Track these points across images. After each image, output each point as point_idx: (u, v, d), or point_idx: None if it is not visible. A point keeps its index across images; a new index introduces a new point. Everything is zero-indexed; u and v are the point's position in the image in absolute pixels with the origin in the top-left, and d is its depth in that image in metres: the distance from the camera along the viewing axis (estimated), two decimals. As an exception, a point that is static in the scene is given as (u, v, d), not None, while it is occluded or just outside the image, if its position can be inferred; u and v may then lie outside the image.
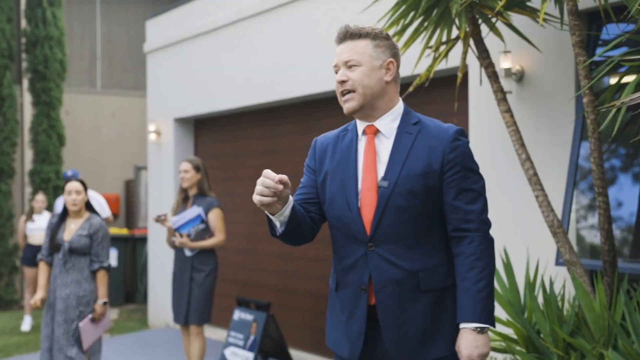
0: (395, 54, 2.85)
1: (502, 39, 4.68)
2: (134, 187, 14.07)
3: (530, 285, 4.37)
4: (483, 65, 4.57)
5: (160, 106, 9.90)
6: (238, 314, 7.40)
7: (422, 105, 5.73)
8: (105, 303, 5.99)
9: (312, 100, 7.63)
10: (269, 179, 2.55)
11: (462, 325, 2.71)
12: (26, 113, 12.99)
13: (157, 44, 9.90)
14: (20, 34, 12.80)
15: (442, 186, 2.73)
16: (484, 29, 4.98)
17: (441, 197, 2.74)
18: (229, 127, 9.04)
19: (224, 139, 9.14)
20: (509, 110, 4.51)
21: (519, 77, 5.22)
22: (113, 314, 10.85)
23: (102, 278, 5.97)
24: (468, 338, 2.67)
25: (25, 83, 12.88)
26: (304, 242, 2.89)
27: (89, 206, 6.15)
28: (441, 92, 6.06)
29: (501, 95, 4.54)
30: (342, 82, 2.80)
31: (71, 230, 6.01)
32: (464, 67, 4.66)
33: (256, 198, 2.59)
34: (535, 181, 4.42)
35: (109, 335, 9.38)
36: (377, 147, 2.83)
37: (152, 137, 9.90)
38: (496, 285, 4.69)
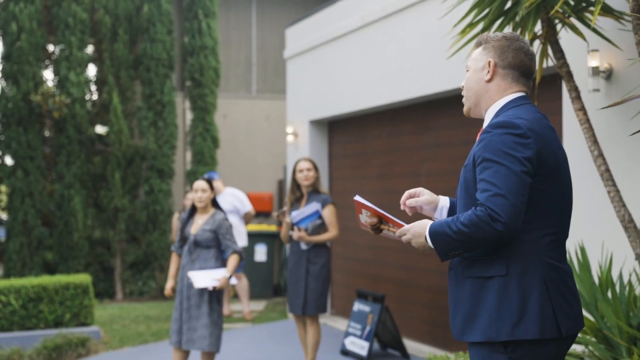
0: (501, 53, 2.93)
1: (584, 38, 4.79)
2: (284, 186, 14.79)
3: (600, 280, 4.49)
4: (557, 65, 4.71)
5: (297, 109, 10.48)
6: (357, 306, 7.80)
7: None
8: (230, 277, 6.48)
9: (431, 100, 7.89)
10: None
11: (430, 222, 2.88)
12: (184, 118, 14.02)
13: (295, 50, 10.48)
14: (179, 44, 13.85)
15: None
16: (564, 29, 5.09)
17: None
18: (357, 128, 9.46)
19: (353, 139, 9.57)
20: (582, 109, 4.63)
21: (607, 75, 5.27)
22: (260, 305, 11.52)
23: (233, 259, 6.50)
24: (417, 230, 2.87)
25: (183, 90, 13.93)
26: None
27: (214, 203, 6.75)
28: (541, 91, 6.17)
29: (575, 94, 4.66)
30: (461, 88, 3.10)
31: (198, 224, 6.63)
32: (541, 65, 4.81)
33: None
34: (607, 177, 4.52)
35: (251, 324, 10.05)
36: None
37: (290, 138, 10.49)
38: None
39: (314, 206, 6.73)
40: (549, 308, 2.76)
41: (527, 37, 4.61)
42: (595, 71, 5.25)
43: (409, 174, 8.26)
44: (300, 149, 10.34)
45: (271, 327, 9.73)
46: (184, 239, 6.68)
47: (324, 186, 10.20)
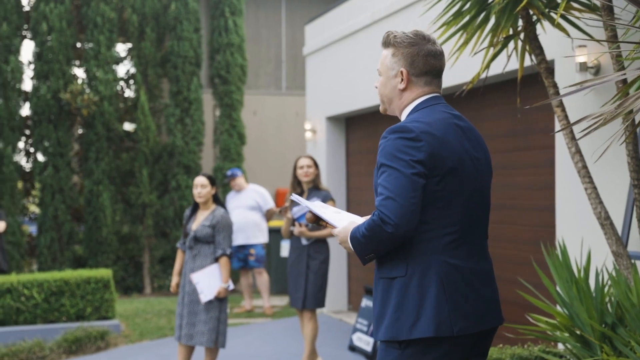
0: (412, 62, 3.00)
1: (568, 34, 4.76)
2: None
3: (576, 278, 4.46)
4: (536, 62, 4.69)
5: (315, 106, 10.54)
6: (365, 302, 7.83)
7: (507, 105, 5.86)
8: (228, 287, 6.60)
9: (443, 95, 7.87)
10: None
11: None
12: (212, 114, 14.17)
13: (313, 47, 10.54)
14: (206, 42, 14.01)
15: None
16: (547, 25, 5.06)
17: None
18: (373, 124, 9.48)
19: (369, 135, 9.60)
20: (560, 105, 4.61)
21: (596, 71, 5.22)
22: (283, 301, 11.60)
23: (224, 264, 6.61)
24: (345, 235, 2.93)
25: (210, 87, 14.10)
26: None
27: (216, 199, 6.83)
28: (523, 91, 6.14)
29: (554, 90, 4.64)
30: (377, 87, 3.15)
31: (199, 220, 6.72)
32: (522, 62, 4.79)
33: None
34: (584, 174, 4.49)
35: (270, 319, 10.15)
36: None
37: (309, 135, 10.55)
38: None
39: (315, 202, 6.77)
40: (444, 307, 2.79)
41: (502, 34, 4.60)
42: (583, 67, 5.21)
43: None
44: (319, 146, 10.40)
45: (288, 322, 9.82)
46: (185, 234, 6.78)
47: (341, 182, 10.25)
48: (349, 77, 9.45)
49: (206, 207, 6.74)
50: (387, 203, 2.75)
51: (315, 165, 6.97)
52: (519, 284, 6.10)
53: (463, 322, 2.82)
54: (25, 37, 13.23)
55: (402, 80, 3.01)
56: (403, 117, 3.05)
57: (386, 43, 3.07)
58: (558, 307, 4.73)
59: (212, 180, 6.73)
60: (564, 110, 4.59)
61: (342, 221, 3.01)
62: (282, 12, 15.57)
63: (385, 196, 2.77)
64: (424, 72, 3.01)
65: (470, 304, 2.86)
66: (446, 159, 2.84)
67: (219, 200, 6.82)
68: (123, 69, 14.04)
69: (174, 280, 6.93)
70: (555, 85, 4.65)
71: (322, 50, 10.30)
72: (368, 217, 2.88)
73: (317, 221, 3.11)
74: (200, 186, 6.66)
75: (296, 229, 6.85)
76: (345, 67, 9.54)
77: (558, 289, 4.61)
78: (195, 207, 6.84)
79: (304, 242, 6.92)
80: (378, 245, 2.81)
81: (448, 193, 2.85)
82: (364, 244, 2.82)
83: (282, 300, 11.61)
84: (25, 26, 13.19)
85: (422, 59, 3.00)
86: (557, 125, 5.53)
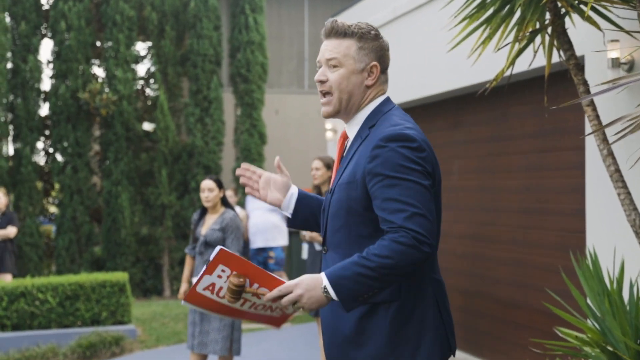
0: (381, 56, 2.73)
1: (599, 28, 4.44)
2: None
3: (609, 291, 4.14)
4: (564, 58, 4.38)
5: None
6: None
7: (532, 104, 5.54)
8: None
9: (461, 95, 7.57)
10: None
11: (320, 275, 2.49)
12: (232, 114, 13.92)
13: (334, 44, 10.24)
14: (227, 40, 13.76)
15: (369, 195, 2.54)
16: (576, 18, 4.73)
17: (368, 208, 2.55)
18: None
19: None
20: (590, 104, 4.28)
21: (629, 67, 4.89)
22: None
23: None
24: (310, 283, 2.46)
25: (230, 86, 13.84)
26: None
27: (224, 202, 6.58)
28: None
29: (584, 88, 4.32)
30: (321, 82, 2.71)
31: (208, 224, 6.47)
32: (549, 58, 4.48)
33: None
34: (617, 178, 4.17)
35: (289, 324, 9.89)
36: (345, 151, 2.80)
37: (329, 135, 10.26)
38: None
39: None
40: (442, 329, 2.60)
41: (528, 28, 4.29)
42: (615, 63, 4.87)
43: (441, 171, 7.93)
44: (339, 146, 10.10)
45: (306, 327, 9.55)
46: (195, 240, 6.55)
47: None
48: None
49: (215, 211, 6.50)
50: (419, 220, 2.41)
51: (327, 166, 6.68)
52: (545, 292, 5.78)
53: (453, 339, 2.66)
54: (44, 35, 13.08)
55: (372, 75, 2.70)
56: (360, 117, 2.71)
57: (346, 33, 2.69)
58: (589, 321, 4.41)
59: (219, 183, 6.50)
60: (594, 109, 4.27)
61: (306, 279, 2.49)
62: (304, 9, 15.31)
63: (411, 212, 2.41)
64: (386, 68, 2.77)
65: (451, 319, 2.69)
66: (437, 171, 2.61)
67: (227, 203, 6.58)
68: (142, 68, 13.85)
69: (183, 287, 6.70)
70: (585, 83, 4.33)
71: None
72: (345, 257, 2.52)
73: (243, 286, 2.54)
74: (208, 190, 6.42)
75: (307, 234, 6.58)
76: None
77: (589, 301, 4.29)
78: (203, 211, 6.61)
79: (318, 247, 6.65)
80: (404, 273, 2.43)
81: (437, 206, 2.60)
82: (375, 278, 2.39)
83: (303, 304, 11.35)
84: (44, 25, 13.03)
85: (387, 54, 2.76)
86: (588, 125, 5.21)
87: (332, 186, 2.72)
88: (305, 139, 14.88)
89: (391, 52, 2.83)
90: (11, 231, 10.20)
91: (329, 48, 2.70)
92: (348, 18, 9.75)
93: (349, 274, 2.41)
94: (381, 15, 8.69)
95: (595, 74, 4.99)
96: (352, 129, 2.76)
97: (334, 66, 2.68)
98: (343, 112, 2.73)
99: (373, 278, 2.40)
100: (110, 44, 12.73)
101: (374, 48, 2.71)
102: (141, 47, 13.53)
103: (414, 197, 2.44)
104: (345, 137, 2.82)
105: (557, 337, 4.69)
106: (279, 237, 10.39)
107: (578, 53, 4.67)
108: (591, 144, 5.27)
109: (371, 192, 2.52)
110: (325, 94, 2.72)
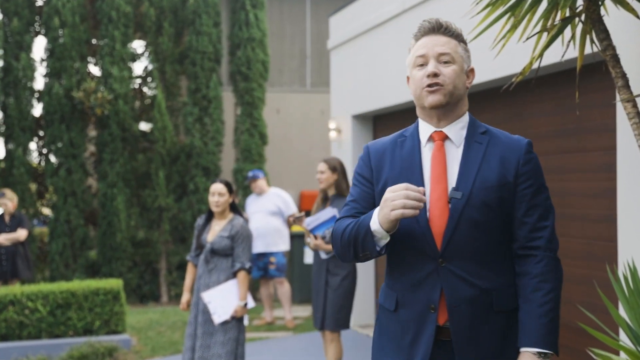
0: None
1: (638, 15, 3.99)
2: (340, 184, 14.15)
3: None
4: (600, 48, 3.93)
5: (340, 103, 9.81)
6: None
7: (556, 100, 5.08)
8: (245, 305, 5.96)
9: (477, 91, 7.13)
10: (414, 191, 2.46)
11: (523, 349, 2.58)
12: (232, 113, 13.46)
13: (338, 40, 9.81)
14: (226, 37, 13.29)
15: (515, 200, 2.64)
16: (610, 5, 4.28)
17: (512, 212, 2.64)
18: (402, 123, 8.71)
19: (397, 135, 8.85)
20: (631, 100, 3.83)
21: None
22: (306, 311, 10.89)
23: (242, 279, 5.95)
24: None
25: (230, 85, 13.37)
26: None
27: (233, 207, 6.17)
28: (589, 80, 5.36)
29: (622, 82, 3.87)
30: (435, 75, 2.66)
31: (215, 231, 6.06)
32: (582, 49, 4.03)
33: (398, 212, 2.45)
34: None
35: (292, 333, 9.46)
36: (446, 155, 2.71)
37: (333, 135, 9.82)
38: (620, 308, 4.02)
39: (330, 211, 6.05)
40: None
41: (558, 16, 3.84)
42: (653, 55, 4.43)
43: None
44: (344, 146, 9.66)
45: (310, 337, 9.10)
46: (200, 246, 6.13)
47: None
48: (377, 71, 8.71)
49: (223, 217, 6.09)
50: (555, 233, 2.69)
51: (332, 169, 6.23)
52: (571, 304, 5.33)
53: None
54: (37, 32, 12.63)
55: (469, 79, 2.76)
56: (459, 127, 2.73)
57: (452, 33, 2.74)
58: (627, 340, 3.95)
59: (230, 188, 6.08)
60: (635, 106, 3.82)
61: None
62: (306, 6, 14.87)
63: (552, 227, 2.66)
64: None
65: None
66: None
67: (236, 208, 6.16)
68: (139, 66, 13.39)
69: (185, 297, 6.28)
70: (624, 76, 3.88)
71: (348, 44, 9.56)
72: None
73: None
74: (218, 194, 6.01)
75: (312, 242, 6.15)
76: (373, 61, 8.79)
77: (628, 320, 3.83)
78: (209, 216, 6.18)
79: (323, 255, 6.20)
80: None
81: None
82: (557, 309, 2.63)
83: (306, 310, 10.89)
84: (37, 21, 12.58)
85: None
86: (619, 124, 4.77)
87: (463, 190, 2.60)
88: (308, 139, 14.45)
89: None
90: (21, 234, 9.74)
91: (440, 43, 2.71)
92: (354, 12, 9.31)
93: (548, 328, 2.58)
94: (389, 8, 8.24)
95: (633, 67, 4.53)
96: (458, 133, 2.74)
97: (447, 62, 2.69)
98: (449, 106, 2.71)
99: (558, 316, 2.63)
100: (105, 41, 12.25)
101: (468, 52, 2.80)
102: (138, 45, 13.06)
103: (552, 211, 2.70)
104: (443, 137, 2.73)
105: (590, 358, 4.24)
106: (280, 242, 9.95)
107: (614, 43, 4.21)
108: (623, 143, 4.82)
109: (521, 194, 2.64)
110: (435, 85, 2.69)
